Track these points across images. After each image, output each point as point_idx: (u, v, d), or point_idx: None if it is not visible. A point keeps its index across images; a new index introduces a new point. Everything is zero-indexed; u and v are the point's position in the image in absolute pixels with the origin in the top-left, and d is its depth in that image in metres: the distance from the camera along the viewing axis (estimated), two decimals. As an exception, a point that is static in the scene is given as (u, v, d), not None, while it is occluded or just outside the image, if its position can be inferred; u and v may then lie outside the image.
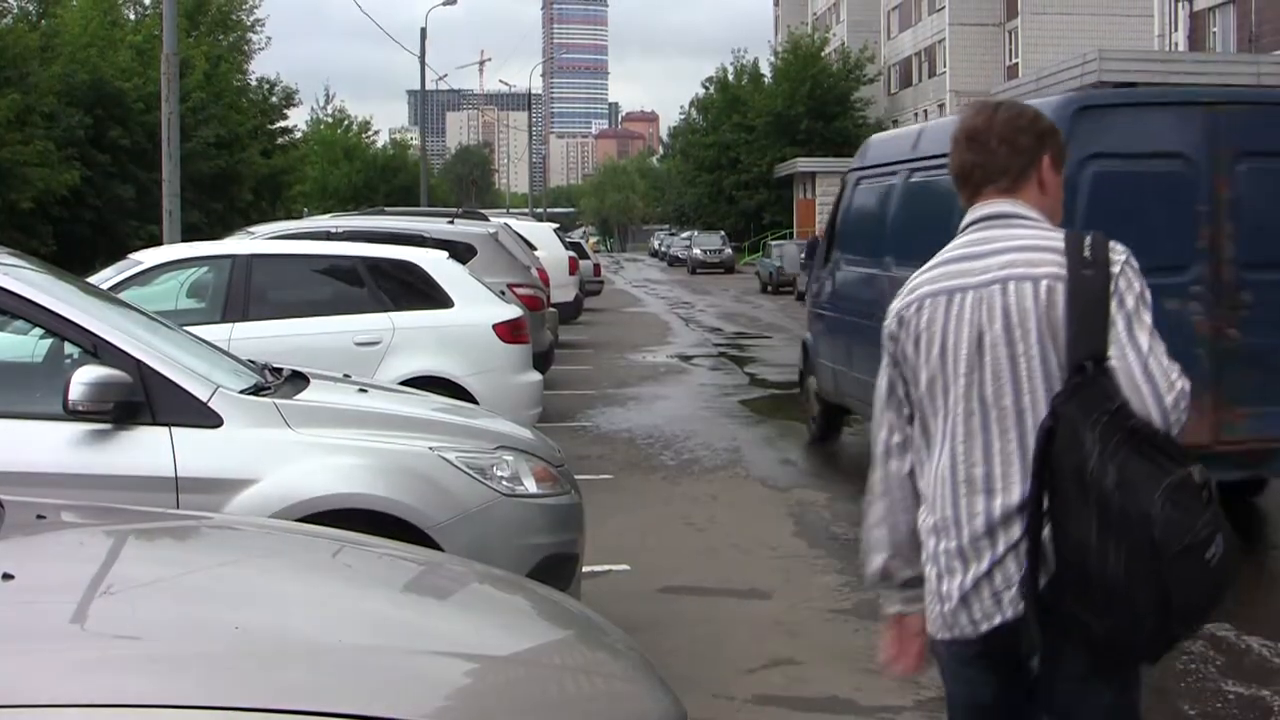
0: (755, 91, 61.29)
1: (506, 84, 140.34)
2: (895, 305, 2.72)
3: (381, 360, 8.32)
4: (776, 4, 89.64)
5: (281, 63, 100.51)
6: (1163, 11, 35.98)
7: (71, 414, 4.21)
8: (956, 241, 2.70)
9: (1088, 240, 2.54)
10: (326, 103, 61.22)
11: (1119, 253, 2.54)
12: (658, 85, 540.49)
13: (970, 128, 2.72)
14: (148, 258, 8.98)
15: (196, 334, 5.55)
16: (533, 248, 16.73)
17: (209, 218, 29.61)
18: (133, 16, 35.66)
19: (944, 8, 58.10)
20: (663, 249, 71.70)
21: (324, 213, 32.57)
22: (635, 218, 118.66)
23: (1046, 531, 2.43)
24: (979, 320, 2.57)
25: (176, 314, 7.34)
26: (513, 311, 9.16)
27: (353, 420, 4.85)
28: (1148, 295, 2.54)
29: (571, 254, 21.82)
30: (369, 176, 57.89)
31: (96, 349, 4.38)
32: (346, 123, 61.00)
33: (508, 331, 8.85)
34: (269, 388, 4.88)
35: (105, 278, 8.38)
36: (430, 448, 4.76)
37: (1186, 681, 5.13)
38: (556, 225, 25.88)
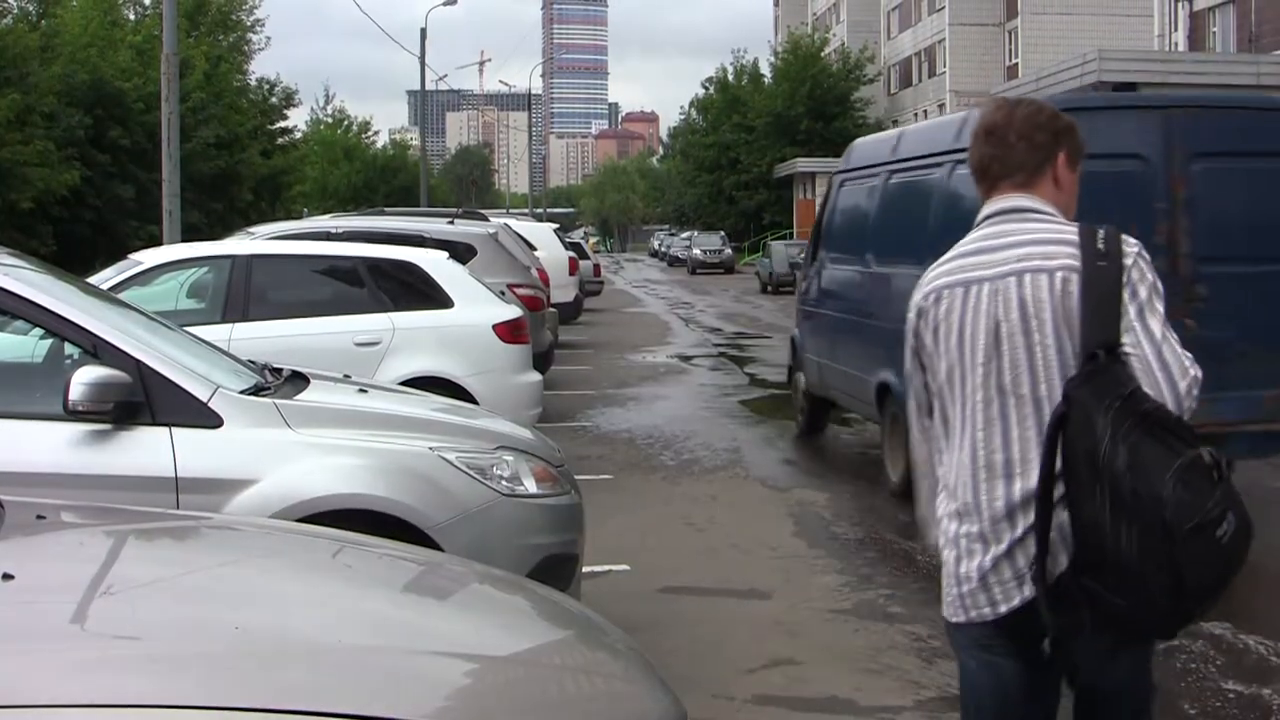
0: (755, 92, 61.34)
1: (506, 84, 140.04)
2: (914, 298, 2.79)
3: (381, 360, 8.31)
4: (776, 4, 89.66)
5: (281, 63, 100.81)
6: (1163, 11, 36.01)
7: (71, 414, 4.20)
8: (972, 235, 2.76)
9: (1101, 234, 2.61)
10: (326, 103, 61.44)
11: (1131, 245, 2.62)
12: (658, 85, 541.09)
13: (990, 123, 2.77)
14: (148, 258, 8.97)
15: (196, 334, 5.55)
16: (533, 248, 16.72)
17: (209, 218, 29.64)
18: (133, 16, 35.70)
19: (944, 8, 58.11)
20: (662, 249, 71.69)
21: (324, 213, 32.53)
22: (635, 218, 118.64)
23: (1066, 514, 2.49)
24: (996, 311, 2.63)
25: (176, 314, 7.33)
26: (513, 312, 9.16)
27: (353, 420, 4.85)
28: (1159, 286, 2.61)
29: (571, 254, 21.82)
30: (369, 177, 57.92)
31: (96, 349, 4.38)
32: (346, 123, 61.04)
33: (508, 332, 8.85)
34: (269, 388, 4.87)
35: (105, 278, 8.37)
36: (430, 448, 4.75)
37: (1186, 681, 5.12)
38: (556, 225, 25.89)
